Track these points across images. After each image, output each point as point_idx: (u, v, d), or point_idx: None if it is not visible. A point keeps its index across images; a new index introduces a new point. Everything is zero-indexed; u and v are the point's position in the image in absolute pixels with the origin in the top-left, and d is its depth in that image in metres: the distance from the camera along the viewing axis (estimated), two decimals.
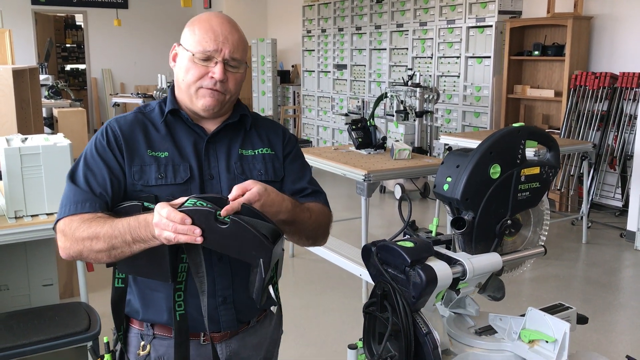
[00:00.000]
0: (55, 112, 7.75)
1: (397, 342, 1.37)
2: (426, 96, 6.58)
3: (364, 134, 4.70)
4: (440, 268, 1.35)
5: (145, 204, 1.41)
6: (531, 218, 1.61)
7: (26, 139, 2.87)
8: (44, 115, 7.30)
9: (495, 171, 1.47)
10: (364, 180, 3.85)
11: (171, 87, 1.57)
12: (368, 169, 3.94)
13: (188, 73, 1.47)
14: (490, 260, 1.46)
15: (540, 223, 1.63)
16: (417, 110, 6.49)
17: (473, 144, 5.58)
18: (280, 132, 1.65)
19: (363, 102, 7.85)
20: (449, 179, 1.48)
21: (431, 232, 1.56)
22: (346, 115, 8.51)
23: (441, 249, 1.48)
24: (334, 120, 9.88)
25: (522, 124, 1.54)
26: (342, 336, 3.69)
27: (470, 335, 1.53)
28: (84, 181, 1.44)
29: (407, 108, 6.57)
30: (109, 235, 1.33)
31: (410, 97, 6.62)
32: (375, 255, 1.42)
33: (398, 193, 7.04)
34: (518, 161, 1.51)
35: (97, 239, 1.34)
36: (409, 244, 1.38)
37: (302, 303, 4.13)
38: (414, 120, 6.53)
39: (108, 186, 1.44)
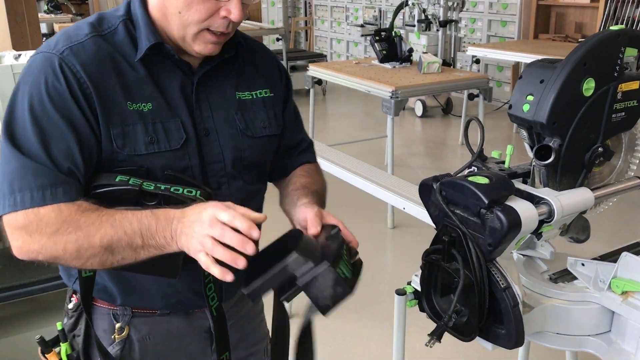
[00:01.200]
0: (56, 27, 7.35)
1: (466, 297, 1.14)
2: (450, 3, 6.09)
3: (389, 45, 4.32)
4: (525, 209, 1.09)
5: (132, 181, 1.02)
6: (622, 143, 1.33)
7: (20, 55, 2.58)
8: (44, 31, 6.91)
9: (588, 87, 1.17)
10: (391, 97, 3.54)
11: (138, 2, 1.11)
12: (395, 84, 3.62)
13: (191, 9, 1.04)
14: (581, 197, 1.20)
15: (632, 149, 1.35)
16: (441, 19, 6.01)
17: (506, 55, 5.18)
18: (276, 65, 1.29)
19: (380, 11, 7.35)
20: (530, 98, 1.19)
21: (503, 162, 1.28)
22: (362, 26, 8.04)
23: (520, 185, 1.22)
24: (348, 32, 9.36)
25: (621, 26, 1.23)
26: (369, 264, 3.52)
27: (546, 283, 1.30)
28: (41, 150, 0.97)
29: (430, 17, 6.10)
30: (108, 238, 0.96)
31: (433, 4, 6.12)
32: (439, 193, 1.16)
33: (419, 110, 6.70)
34: (615, 74, 1.21)
35: (90, 242, 0.96)
36: (483, 180, 1.11)
37: None
38: (437, 30, 6.08)
39: (77, 158, 1.00)
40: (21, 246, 0.98)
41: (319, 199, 1.21)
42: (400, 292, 1.47)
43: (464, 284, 1.10)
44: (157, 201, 1.02)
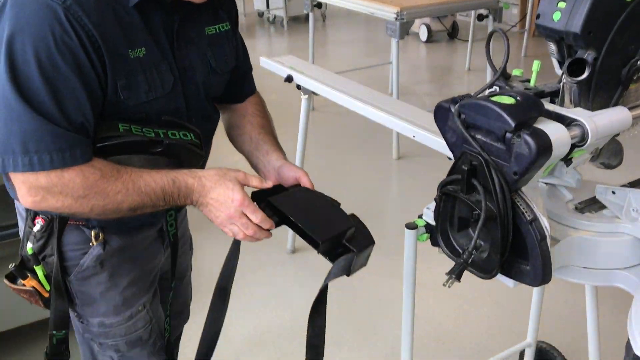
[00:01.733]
0: None
1: (487, 231, 1.03)
2: None
3: None
4: (555, 132, 0.96)
5: (135, 130, 1.05)
6: None
7: None
8: None
9: None
10: (396, 18, 3.33)
11: None
12: (400, 5, 3.40)
13: None
14: (617, 117, 1.07)
15: None
16: None
17: None
18: None
19: None
20: (561, 5, 1.04)
21: (528, 80, 1.14)
22: None
23: (548, 105, 1.08)
24: None
25: None
26: (375, 197, 3.43)
27: (572, 213, 1.19)
28: (55, 109, 0.95)
29: None
30: (135, 204, 1.04)
31: None
32: (458, 116, 1.02)
33: (424, 35, 6.43)
34: None
35: (118, 207, 1.04)
36: (509, 100, 0.98)
37: (326, 163, 3.81)
38: None
39: (88, 113, 1.00)
40: (39, 201, 1.00)
41: (278, 144, 1.33)
42: (411, 226, 1.36)
43: (485, 217, 0.99)
44: (162, 148, 1.08)
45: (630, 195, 1.13)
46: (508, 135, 0.95)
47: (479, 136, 1.00)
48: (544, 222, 1.00)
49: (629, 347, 1.02)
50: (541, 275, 1.00)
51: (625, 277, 1.14)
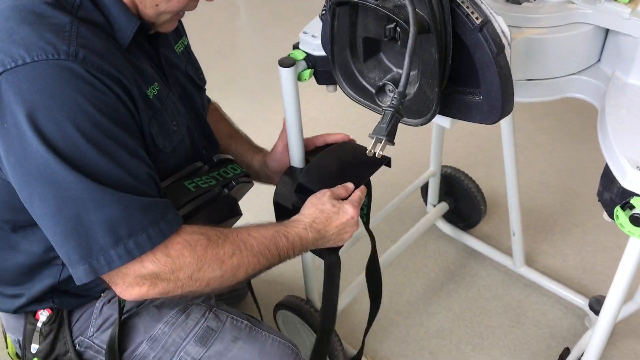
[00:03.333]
0: None
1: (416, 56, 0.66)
2: None
3: None
4: None
5: (199, 183, 0.95)
6: None
7: None
8: None
9: None
10: None
11: None
12: None
13: (171, 1, 0.84)
14: None
15: None
16: None
17: None
18: None
19: None
20: None
21: None
22: None
23: None
24: None
25: None
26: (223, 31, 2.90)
27: (505, 5, 0.84)
28: (125, 176, 0.77)
29: None
30: (252, 267, 0.88)
31: None
32: None
33: None
34: None
35: (235, 275, 0.87)
36: None
37: None
38: None
39: (153, 168, 0.83)
40: (148, 290, 0.81)
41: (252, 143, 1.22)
42: (287, 63, 0.96)
43: (416, 29, 0.61)
44: (228, 192, 0.99)
45: None
46: None
47: None
48: (501, 24, 0.64)
49: (608, 179, 0.75)
50: (500, 105, 0.67)
51: (583, 84, 0.85)
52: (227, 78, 2.37)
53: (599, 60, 0.86)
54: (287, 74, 0.96)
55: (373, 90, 0.73)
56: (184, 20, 1.02)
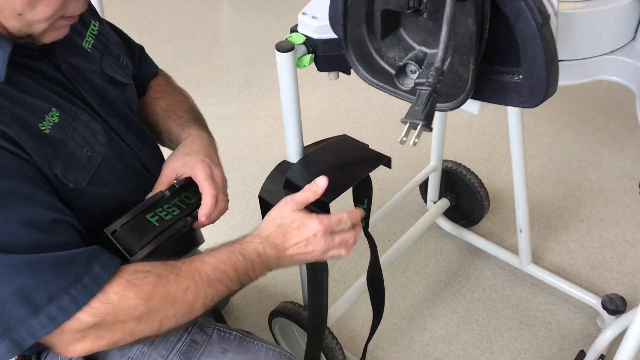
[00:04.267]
0: None
1: (437, 27, 0.57)
2: None
3: None
4: None
5: (160, 216, 0.85)
6: None
7: None
8: None
9: None
10: None
11: None
12: None
13: (35, 7, 0.69)
14: None
15: None
16: None
17: None
18: None
19: None
20: None
21: None
22: None
23: None
24: None
25: None
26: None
27: None
28: (30, 232, 0.66)
29: None
30: (210, 298, 0.77)
31: None
32: None
33: None
34: None
35: (192, 310, 0.76)
36: None
37: None
38: None
39: (65, 208, 0.72)
40: (93, 344, 0.70)
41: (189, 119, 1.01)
42: (285, 48, 0.86)
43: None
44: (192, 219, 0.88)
45: None
46: None
47: None
48: None
49: None
50: (544, 85, 0.58)
51: (618, 65, 0.77)
52: (209, 73, 2.26)
53: (634, 38, 0.78)
54: (285, 59, 0.86)
55: (393, 72, 0.64)
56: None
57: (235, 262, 0.79)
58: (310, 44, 0.87)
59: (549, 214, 1.62)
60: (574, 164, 1.79)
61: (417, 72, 0.62)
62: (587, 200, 1.66)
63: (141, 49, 1.08)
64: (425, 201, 1.56)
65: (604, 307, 1.30)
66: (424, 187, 1.56)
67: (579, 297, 1.37)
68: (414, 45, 0.64)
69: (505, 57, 0.59)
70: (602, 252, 1.51)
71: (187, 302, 0.75)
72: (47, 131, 0.74)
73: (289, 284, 1.47)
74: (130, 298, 0.70)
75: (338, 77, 0.94)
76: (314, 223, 0.83)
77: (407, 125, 0.52)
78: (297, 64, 0.89)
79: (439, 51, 0.52)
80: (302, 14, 0.87)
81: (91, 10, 0.94)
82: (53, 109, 0.75)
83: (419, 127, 0.51)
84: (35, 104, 0.73)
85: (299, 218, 0.83)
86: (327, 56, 0.88)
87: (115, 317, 0.70)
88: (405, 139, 0.52)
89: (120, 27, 1.05)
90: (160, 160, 0.97)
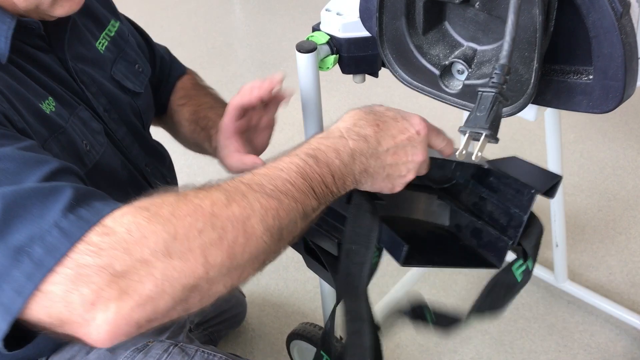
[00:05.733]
0: None
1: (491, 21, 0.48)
2: None
3: None
4: None
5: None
6: None
7: None
8: None
9: None
10: None
11: None
12: None
13: None
14: None
15: None
16: None
17: None
18: None
19: None
20: None
21: None
22: None
23: None
24: None
25: None
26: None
27: None
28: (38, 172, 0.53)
29: None
30: (273, 208, 0.52)
31: None
32: None
33: None
34: None
35: (246, 223, 0.50)
36: None
37: None
38: None
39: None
40: (116, 312, 0.46)
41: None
42: (307, 48, 0.78)
43: None
44: None
45: None
46: None
47: None
48: None
49: None
50: (621, 86, 0.49)
51: None
52: (222, 78, 2.19)
53: None
54: (306, 61, 0.78)
55: (437, 72, 0.55)
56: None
57: (305, 168, 0.55)
58: (335, 44, 0.79)
59: (584, 226, 1.52)
60: (608, 172, 1.68)
61: (466, 72, 0.53)
62: (624, 211, 1.55)
63: (165, 49, 1.02)
64: None
65: None
66: None
67: (620, 317, 1.27)
68: (462, 41, 0.55)
69: (572, 54, 0.50)
70: None
71: (235, 219, 0.50)
72: (47, 112, 0.68)
73: (307, 302, 1.38)
74: (143, 225, 0.48)
75: (364, 80, 0.85)
76: (416, 118, 0.59)
77: (467, 135, 0.43)
78: (320, 65, 0.80)
79: (505, 44, 0.43)
80: (326, 10, 0.79)
81: (112, 10, 0.89)
82: (50, 97, 0.69)
83: (482, 137, 0.43)
84: (34, 87, 0.68)
85: (394, 109, 0.60)
86: (353, 57, 0.80)
87: (128, 253, 0.47)
88: (464, 152, 0.43)
89: None
90: (170, 181, 0.90)
